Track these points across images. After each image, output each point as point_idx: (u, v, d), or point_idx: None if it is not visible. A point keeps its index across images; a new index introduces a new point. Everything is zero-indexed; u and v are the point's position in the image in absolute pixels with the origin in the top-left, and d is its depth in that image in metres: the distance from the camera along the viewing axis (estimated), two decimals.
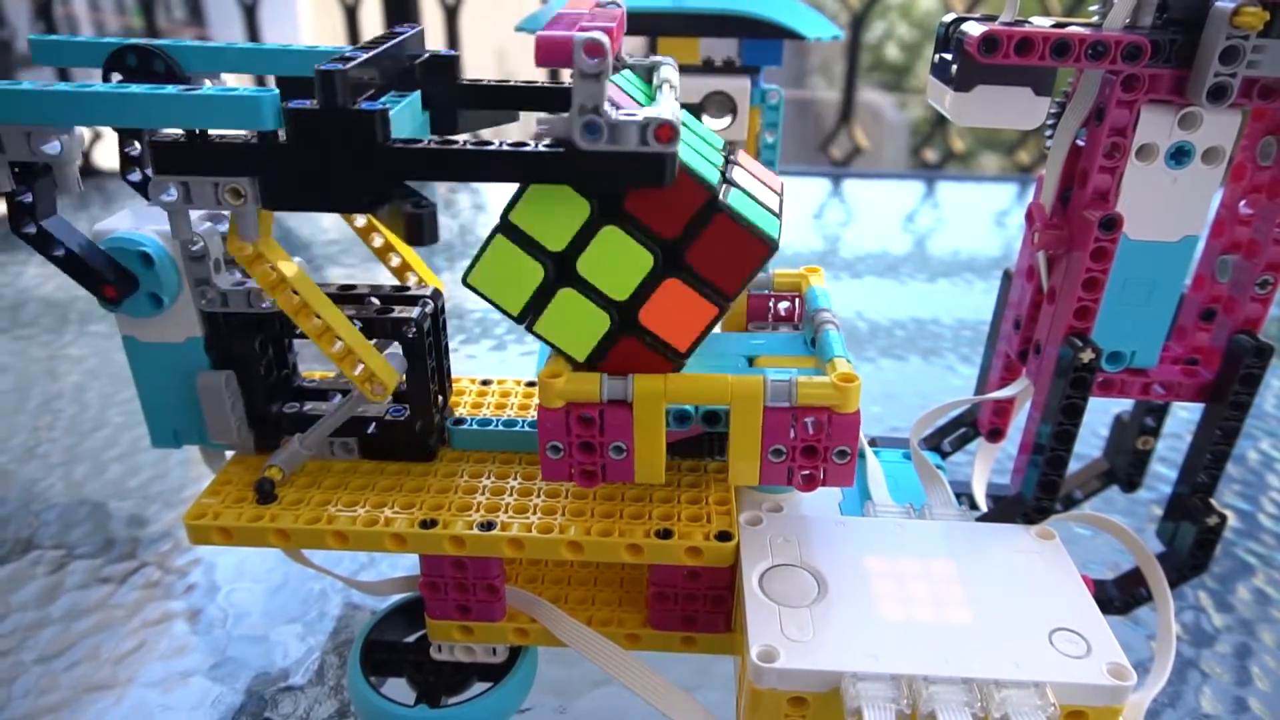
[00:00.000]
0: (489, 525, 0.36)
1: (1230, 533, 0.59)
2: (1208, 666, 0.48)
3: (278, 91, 0.30)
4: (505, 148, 0.30)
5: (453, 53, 0.38)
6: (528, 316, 0.33)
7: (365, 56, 0.31)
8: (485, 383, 0.46)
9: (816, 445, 0.34)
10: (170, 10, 3.53)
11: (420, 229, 0.29)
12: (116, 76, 0.37)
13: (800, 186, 1.32)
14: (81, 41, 0.38)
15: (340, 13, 1.49)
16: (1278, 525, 0.60)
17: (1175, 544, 0.41)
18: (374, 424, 0.40)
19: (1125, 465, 0.47)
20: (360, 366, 0.36)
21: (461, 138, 0.33)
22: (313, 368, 0.45)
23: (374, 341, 0.38)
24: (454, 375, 0.44)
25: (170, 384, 0.39)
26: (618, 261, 0.32)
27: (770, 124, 0.51)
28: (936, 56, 0.36)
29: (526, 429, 0.40)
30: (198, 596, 0.52)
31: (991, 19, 0.34)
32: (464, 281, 0.33)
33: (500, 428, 0.40)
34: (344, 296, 0.41)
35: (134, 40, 0.38)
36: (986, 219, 1.25)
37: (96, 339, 0.84)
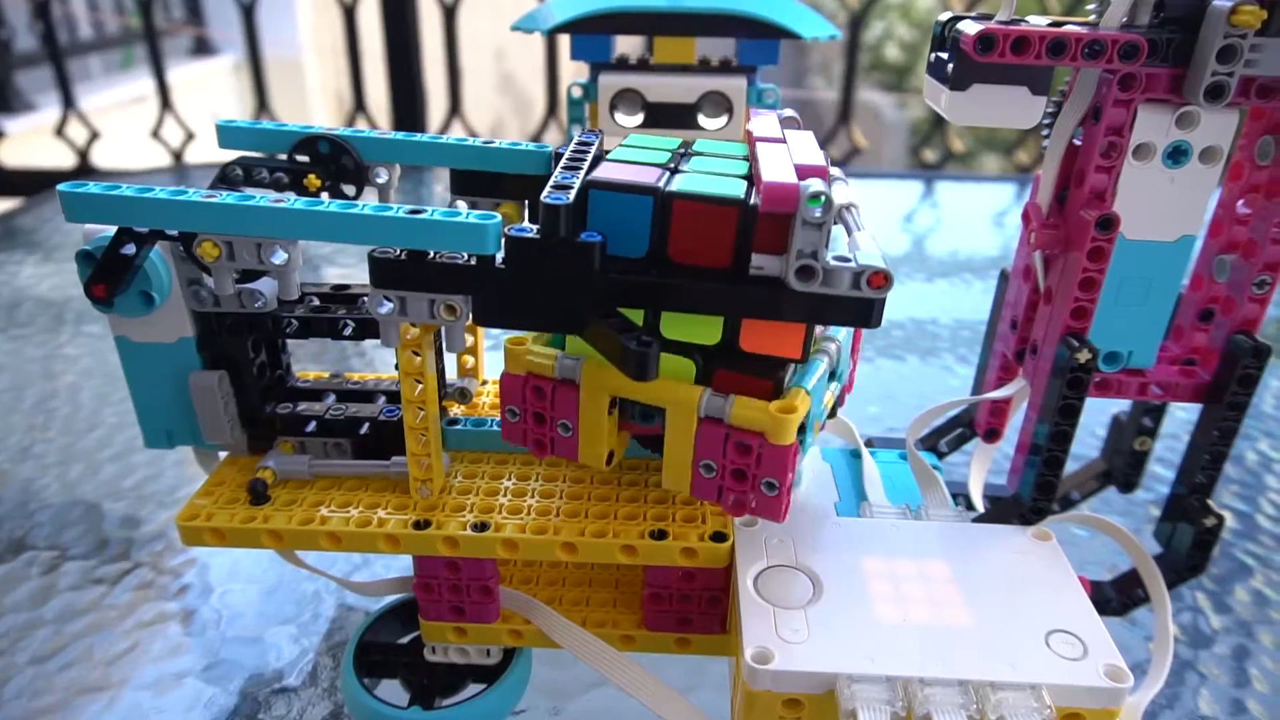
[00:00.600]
0: (483, 526, 0.35)
1: (1228, 534, 0.58)
2: (1205, 668, 0.48)
3: (500, 219, 0.31)
4: (717, 285, 0.30)
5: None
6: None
7: (579, 182, 0.31)
8: (482, 382, 0.45)
9: (745, 470, 0.32)
10: (169, 9, 3.53)
11: (644, 367, 0.29)
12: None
13: None
14: (266, 129, 0.40)
15: (339, 13, 1.48)
16: (1276, 526, 0.60)
17: (1173, 545, 0.41)
18: (368, 424, 0.40)
19: (1123, 466, 0.47)
20: (426, 464, 0.36)
21: None
22: (307, 368, 0.44)
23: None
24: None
25: (163, 384, 0.39)
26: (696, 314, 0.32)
27: None
28: (933, 56, 0.36)
29: None
30: (191, 598, 0.51)
31: (988, 18, 0.34)
32: None
33: (495, 428, 0.40)
34: (338, 297, 0.41)
35: (316, 130, 0.40)
36: (985, 219, 1.25)
37: (92, 339, 0.84)
